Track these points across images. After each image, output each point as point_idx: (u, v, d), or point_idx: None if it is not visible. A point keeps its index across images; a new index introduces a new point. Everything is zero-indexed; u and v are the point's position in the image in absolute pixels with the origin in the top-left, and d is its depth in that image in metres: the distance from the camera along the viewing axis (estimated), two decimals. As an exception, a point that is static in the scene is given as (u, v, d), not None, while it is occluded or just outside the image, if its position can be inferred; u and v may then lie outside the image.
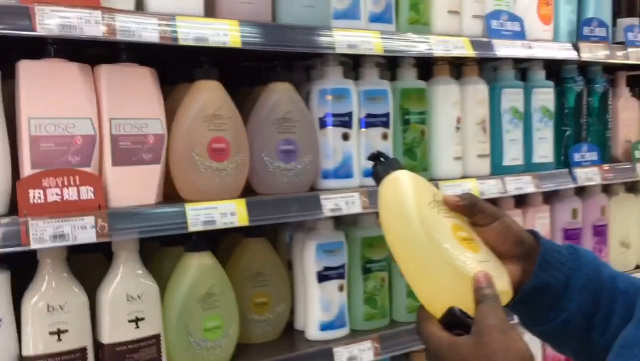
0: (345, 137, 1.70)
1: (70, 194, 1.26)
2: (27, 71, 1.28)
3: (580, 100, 2.23)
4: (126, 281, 1.38)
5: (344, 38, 1.60)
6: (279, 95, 1.60)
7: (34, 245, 1.20)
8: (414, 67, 1.85)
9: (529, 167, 2.08)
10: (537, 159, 2.10)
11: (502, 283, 0.89)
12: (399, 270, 0.90)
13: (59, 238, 1.22)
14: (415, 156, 1.83)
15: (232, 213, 1.44)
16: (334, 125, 1.68)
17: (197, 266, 1.48)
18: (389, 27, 1.75)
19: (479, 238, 0.95)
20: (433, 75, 1.93)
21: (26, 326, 1.27)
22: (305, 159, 1.61)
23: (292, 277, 1.78)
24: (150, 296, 1.40)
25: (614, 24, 2.33)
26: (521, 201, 2.19)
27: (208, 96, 1.47)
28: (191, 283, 1.47)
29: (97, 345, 1.36)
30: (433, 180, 1.85)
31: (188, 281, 1.47)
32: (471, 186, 1.87)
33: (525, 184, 2.00)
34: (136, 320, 1.37)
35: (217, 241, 1.76)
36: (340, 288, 1.72)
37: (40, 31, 1.20)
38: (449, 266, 0.85)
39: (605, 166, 2.21)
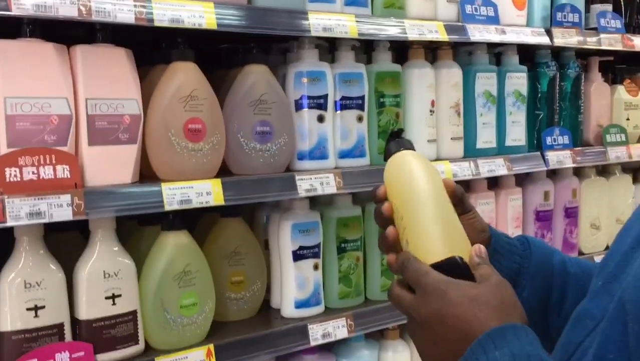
0: (321, 119, 1.72)
1: (47, 172, 1.27)
2: (3, 51, 1.29)
3: (553, 85, 2.26)
4: (103, 258, 1.40)
5: (319, 21, 1.62)
6: (255, 77, 1.62)
7: (10, 222, 1.21)
8: (389, 50, 1.87)
9: (501, 150, 2.11)
10: (510, 142, 2.14)
11: None
12: (398, 217, 0.91)
13: (35, 215, 1.24)
14: (390, 138, 1.86)
15: (207, 192, 1.47)
16: (310, 107, 1.70)
17: (174, 245, 1.51)
18: (365, 10, 1.77)
19: None
20: (408, 59, 1.96)
21: (3, 303, 1.29)
22: (280, 141, 1.64)
23: (269, 256, 1.81)
24: (127, 274, 1.43)
25: (587, 10, 2.37)
26: (494, 183, 2.23)
27: (184, 77, 1.49)
28: (167, 261, 1.49)
29: (74, 321, 1.38)
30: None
31: (164, 259, 1.49)
32: (445, 168, 1.90)
33: (497, 167, 2.04)
34: (113, 297, 1.40)
35: (194, 221, 1.79)
36: (316, 267, 1.75)
37: (15, 11, 1.22)
38: (456, 220, 0.89)
39: (577, 150, 2.26)
